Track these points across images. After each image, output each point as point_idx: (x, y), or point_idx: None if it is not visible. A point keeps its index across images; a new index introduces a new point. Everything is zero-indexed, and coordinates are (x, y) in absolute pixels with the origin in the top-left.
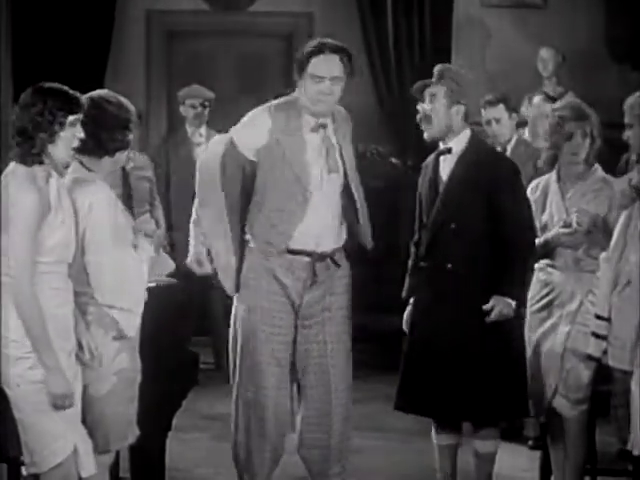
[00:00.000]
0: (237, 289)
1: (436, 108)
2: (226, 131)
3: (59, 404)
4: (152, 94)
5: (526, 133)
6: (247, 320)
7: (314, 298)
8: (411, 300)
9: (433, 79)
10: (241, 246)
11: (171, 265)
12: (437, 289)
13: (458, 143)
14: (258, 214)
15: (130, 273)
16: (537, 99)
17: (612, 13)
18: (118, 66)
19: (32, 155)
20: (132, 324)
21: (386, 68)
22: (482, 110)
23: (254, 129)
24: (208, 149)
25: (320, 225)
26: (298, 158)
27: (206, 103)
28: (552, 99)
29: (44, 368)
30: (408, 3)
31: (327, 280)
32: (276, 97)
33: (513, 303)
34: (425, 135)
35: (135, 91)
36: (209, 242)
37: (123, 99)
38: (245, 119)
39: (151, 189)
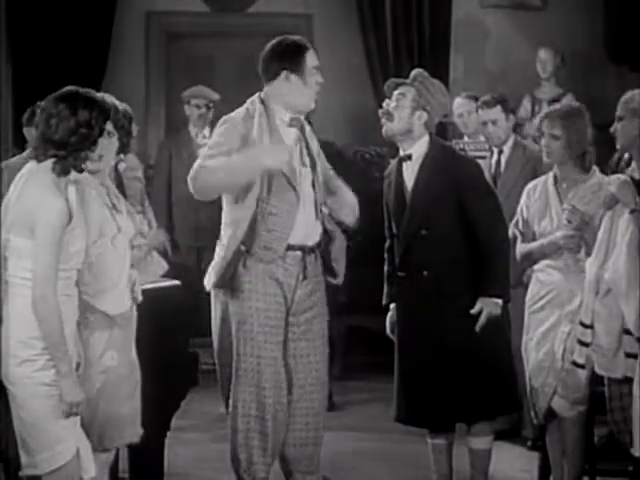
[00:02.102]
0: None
1: (401, 108)
2: None
3: (72, 412)
4: (151, 95)
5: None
6: (244, 323)
7: (305, 293)
8: (392, 305)
9: (407, 80)
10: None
11: (164, 266)
12: (416, 298)
13: (418, 149)
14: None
15: (110, 260)
16: (459, 99)
17: (610, 14)
18: (117, 67)
19: (75, 167)
20: (116, 302)
21: (385, 69)
22: (479, 111)
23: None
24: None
25: (305, 219)
26: None
27: (210, 104)
28: (475, 98)
29: (59, 375)
30: (407, 4)
31: (313, 275)
32: None
33: (500, 302)
34: (383, 131)
35: (134, 92)
36: None
37: (108, 98)
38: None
39: (142, 189)
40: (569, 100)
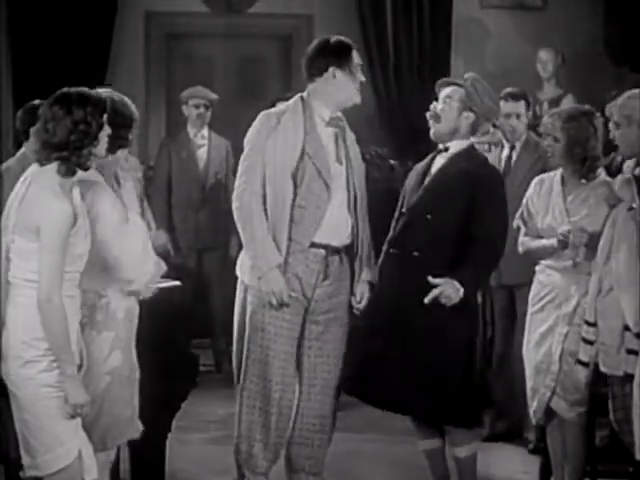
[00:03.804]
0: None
1: (448, 109)
2: (224, 132)
3: (77, 413)
4: (151, 96)
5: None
6: (256, 313)
7: (325, 293)
8: None
9: (458, 80)
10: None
11: (162, 267)
12: (402, 274)
13: (457, 145)
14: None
15: (135, 250)
16: None
17: (611, 15)
18: (117, 68)
19: (80, 165)
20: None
21: (385, 70)
22: (502, 102)
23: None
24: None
25: (333, 218)
26: (319, 152)
27: (209, 104)
28: None
29: (64, 377)
30: (407, 5)
31: (337, 278)
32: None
33: (461, 289)
34: (431, 132)
35: (134, 93)
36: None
37: (125, 98)
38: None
39: (140, 191)
40: (569, 101)
